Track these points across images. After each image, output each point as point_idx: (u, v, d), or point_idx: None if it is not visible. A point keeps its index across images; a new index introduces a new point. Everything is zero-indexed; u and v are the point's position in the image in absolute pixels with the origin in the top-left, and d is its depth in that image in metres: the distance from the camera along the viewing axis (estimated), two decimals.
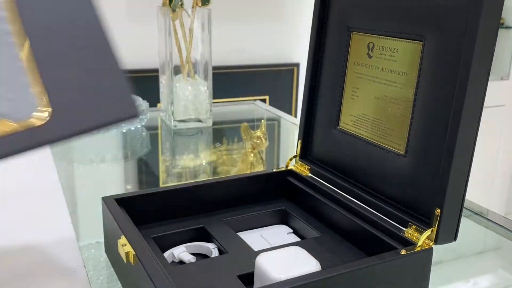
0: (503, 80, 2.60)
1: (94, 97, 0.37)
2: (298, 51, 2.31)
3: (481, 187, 2.63)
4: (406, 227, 0.51)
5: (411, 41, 0.52)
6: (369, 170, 0.58)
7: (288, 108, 2.33)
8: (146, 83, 1.98)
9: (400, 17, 0.54)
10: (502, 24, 2.53)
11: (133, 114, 0.38)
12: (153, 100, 1.35)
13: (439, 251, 0.49)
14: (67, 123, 0.36)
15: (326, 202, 0.60)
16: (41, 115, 0.36)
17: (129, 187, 0.92)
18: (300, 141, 0.68)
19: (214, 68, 1.20)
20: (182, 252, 0.55)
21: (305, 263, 0.46)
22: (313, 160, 0.67)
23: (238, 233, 0.59)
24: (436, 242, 0.48)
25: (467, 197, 0.51)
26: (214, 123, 1.17)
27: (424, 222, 0.50)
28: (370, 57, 0.58)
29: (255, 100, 1.49)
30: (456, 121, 0.46)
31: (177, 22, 1.09)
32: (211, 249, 0.56)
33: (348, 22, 0.61)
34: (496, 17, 0.45)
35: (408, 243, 0.49)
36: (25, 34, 0.37)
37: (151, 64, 1.96)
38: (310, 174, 0.66)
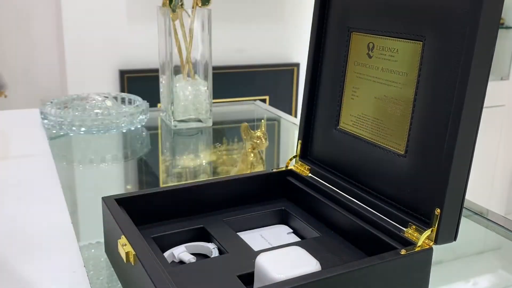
0: (503, 80, 2.60)
1: None
2: (298, 51, 2.31)
3: (481, 187, 2.64)
4: (406, 227, 0.51)
5: (411, 41, 0.52)
6: (369, 170, 0.58)
7: (288, 108, 2.34)
8: (146, 83, 1.98)
9: (400, 17, 0.54)
10: (502, 24, 2.53)
11: None
12: (153, 100, 1.35)
13: (439, 251, 0.49)
14: None
15: (326, 202, 0.60)
16: None
17: (129, 187, 0.92)
18: (300, 141, 0.68)
19: (214, 68, 1.20)
20: (182, 252, 0.55)
21: (305, 263, 0.46)
22: (313, 160, 0.67)
23: (238, 233, 0.59)
24: (436, 242, 0.48)
25: (467, 197, 0.51)
26: (214, 123, 1.17)
27: (424, 222, 0.50)
28: (370, 57, 0.58)
29: (255, 100, 1.49)
30: (456, 121, 0.46)
31: (177, 22, 1.09)
32: (211, 249, 0.56)
33: (348, 22, 0.61)
34: (496, 17, 0.45)
35: (408, 243, 0.49)
36: None
37: (151, 64, 1.96)
38: (310, 174, 0.66)
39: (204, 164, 1.01)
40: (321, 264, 0.46)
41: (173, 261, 0.55)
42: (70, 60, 1.96)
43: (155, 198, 0.60)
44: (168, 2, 1.06)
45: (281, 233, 0.61)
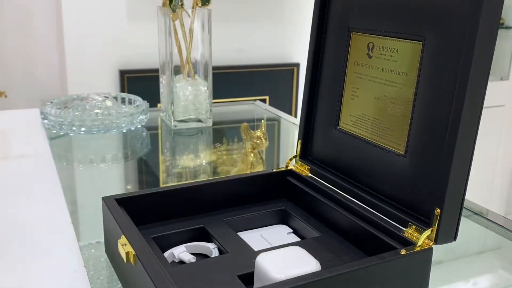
0: (503, 80, 2.61)
1: None
2: (298, 51, 2.31)
3: (481, 187, 2.64)
4: (406, 227, 0.51)
5: (411, 41, 0.52)
6: (369, 170, 0.58)
7: (288, 108, 2.34)
8: (146, 83, 1.98)
9: (400, 17, 0.54)
10: (502, 24, 2.53)
11: None
12: (153, 100, 1.35)
13: (439, 251, 0.49)
14: None
15: (326, 202, 0.60)
16: None
17: (129, 187, 0.92)
18: (300, 141, 0.68)
19: (214, 68, 1.20)
20: (182, 252, 0.55)
21: (305, 263, 0.46)
22: (313, 160, 0.67)
23: (238, 233, 0.59)
24: (436, 242, 0.48)
25: (467, 197, 0.51)
26: (214, 123, 1.17)
27: (424, 222, 0.50)
28: (370, 57, 0.58)
29: (255, 100, 1.49)
30: (456, 121, 0.46)
31: (177, 22, 1.09)
32: (211, 249, 0.56)
33: (348, 22, 0.61)
34: (496, 17, 0.45)
35: (408, 243, 0.49)
36: None
37: (151, 64, 1.96)
38: (310, 174, 0.66)
39: (204, 164, 1.01)
40: (321, 264, 0.46)
41: (173, 261, 0.55)
42: (70, 60, 1.96)
43: (155, 198, 0.60)
44: (168, 2, 1.06)
45: (281, 233, 0.61)
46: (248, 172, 0.75)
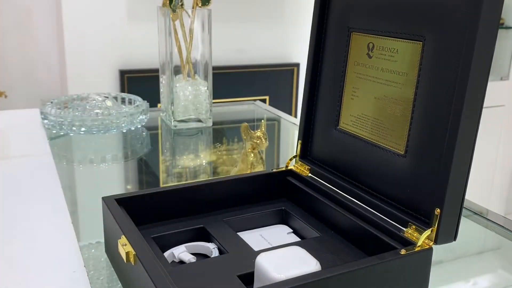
0: (503, 80, 2.61)
1: None
2: (298, 51, 2.31)
3: (481, 187, 2.64)
4: (406, 227, 0.51)
5: (411, 41, 0.52)
6: (369, 170, 0.58)
7: (288, 108, 2.34)
8: (146, 83, 1.98)
9: (400, 17, 0.54)
10: (502, 24, 2.53)
11: None
12: (153, 100, 1.35)
13: (439, 251, 0.49)
14: None
15: (326, 202, 0.60)
16: None
17: (129, 187, 0.92)
18: (300, 141, 0.68)
19: (214, 68, 1.20)
20: (182, 252, 0.55)
21: (305, 263, 0.46)
22: (313, 160, 0.67)
23: (238, 233, 0.59)
24: (436, 242, 0.48)
25: (467, 197, 0.51)
26: (214, 123, 1.17)
27: (424, 222, 0.50)
28: (370, 57, 0.58)
29: (255, 100, 1.49)
30: (456, 121, 0.46)
31: (177, 22, 1.09)
32: (211, 249, 0.56)
33: (348, 22, 0.61)
34: (496, 17, 0.45)
35: (408, 243, 0.49)
36: None
37: (151, 64, 1.96)
38: (310, 174, 0.66)
39: (204, 164, 1.01)
40: (321, 264, 0.46)
41: (173, 261, 0.55)
42: (70, 60, 1.96)
43: (155, 198, 0.60)
44: (168, 2, 1.06)
45: (281, 233, 0.61)
46: (248, 172, 0.75)
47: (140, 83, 2.03)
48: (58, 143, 1.06)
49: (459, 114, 0.46)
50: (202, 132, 1.14)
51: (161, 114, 1.23)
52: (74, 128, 1.04)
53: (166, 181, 0.91)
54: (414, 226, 0.50)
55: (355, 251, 0.55)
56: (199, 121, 1.15)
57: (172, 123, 1.13)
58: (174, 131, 1.14)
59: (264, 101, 2.23)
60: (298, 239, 0.60)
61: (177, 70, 1.13)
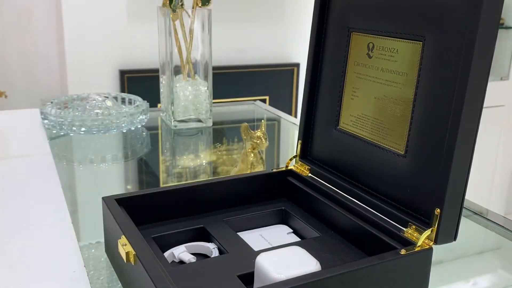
0: (503, 80, 2.61)
1: None
2: (298, 51, 2.31)
3: (481, 187, 2.64)
4: (406, 227, 0.51)
5: (411, 41, 0.52)
6: (369, 170, 0.58)
7: (288, 108, 2.34)
8: (146, 83, 1.98)
9: (400, 17, 0.54)
10: (502, 24, 2.53)
11: None
12: (153, 100, 1.35)
13: (439, 251, 0.49)
14: None
15: (326, 202, 0.60)
16: None
17: (129, 187, 0.92)
18: (300, 141, 0.68)
19: (214, 68, 1.20)
20: (182, 252, 0.55)
21: (305, 263, 0.46)
22: (313, 160, 0.67)
23: (238, 233, 0.59)
24: (436, 242, 0.48)
25: (467, 197, 0.51)
26: (214, 123, 1.17)
27: (424, 222, 0.50)
28: (370, 57, 0.58)
29: (255, 100, 1.49)
30: (456, 121, 0.46)
31: (177, 23, 1.09)
32: (211, 249, 0.56)
33: (348, 22, 0.61)
34: (496, 17, 0.45)
35: (408, 243, 0.49)
36: None
37: (151, 64, 1.96)
38: (310, 174, 0.66)
39: (204, 164, 1.01)
40: (321, 264, 0.46)
41: (173, 261, 0.55)
42: (70, 60, 1.96)
43: (155, 198, 0.60)
44: (168, 2, 1.06)
45: (281, 233, 0.61)
46: (248, 172, 0.75)
47: (140, 83, 2.03)
48: (58, 143, 1.06)
49: (459, 114, 0.46)
50: (202, 132, 1.14)
51: (161, 114, 1.23)
52: (74, 128, 1.04)
53: (166, 181, 0.91)
54: (414, 226, 0.50)
55: (355, 251, 0.55)
56: (199, 121, 1.15)
57: (172, 123, 1.13)
58: (174, 131, 1.14)
59: (264, 101, 2.23)
60: (298, 239, 0.60)
61: (177, 70, 1.13)
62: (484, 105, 0.47)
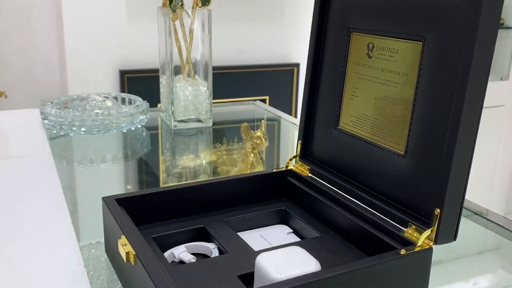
0: (503, 80, 2.61)
1: None
2: (298, 51, 2.31)
3: (481, 187, 2.64)
4: (406, 227, 0.51)
5: (411, 41, 0.52)
6: (369, 170, 0.58)
7: (288, 108, 2.34)
8: (146, 83, 1.98)
9: (400, 17, 0.54)
10: (502, 24, 2.53)
11: None
12: (153, 100, 1.35)
13: (439, 251, 0.49)
14: None
15: (326, 202, 0.60)
16: None
17: (129, 187, 0.92)
18: (300, 141, 0.68)
19: (214, 68, 1.20)
20: (182, 252, 0.55)
21: (305, 263, 0.46)
22: (313, 160, 0.67)
23: (238, 233, 0.59)
24: (436, 242, 0.48)
25: (467, 197, 0.51)
26: (214, 123, 1.17)
27: (424, 222, 0.50)
28: (370, 57, 0.58)
29: (255, 100, 1.49)
30: (456, 121, 0.46)
31: (177, 23, 1.09)
32: (211, 249, 0.56)
33: (348, 22, 0.61)
34: (495, 17, 0.45)
35: (408, 243, 0.49)
36: None
37: (151, 64, 1.96)
38: (310, 174, 0.66)
39: (204, 164, 1.01)
40: (321, 264, 0.46)
41: (173, 261, 0.55)
42: (70, 60, 1.96)
43: (155, 198, 0.60)
44: (168, 2, 1.06)
45: (281, 233, 0.61)
46: (248, 172, 0.75)
47: (140, 83, 2.03)
48: (58, 143, 1.06)
49: (459, 114, 0.46)
50: (202, 132, 1.14)
51: (161, 114, 1.23)
52: (74, 128, 1.04)
53: (166, 181, 0.91)
54: (414, 226, 0.50)
55: (355, 251, 0.55)
56: (199, 121, 1.15)
57: (172, 123, 1.13)
58: (174, 131, 1.14)
59: (264, 101, 2.23)
60: (298, 239, 0.60)
61: (177, 70, 1.13)
62: (484, 105, 0.47)
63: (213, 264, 0.52)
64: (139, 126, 1.13)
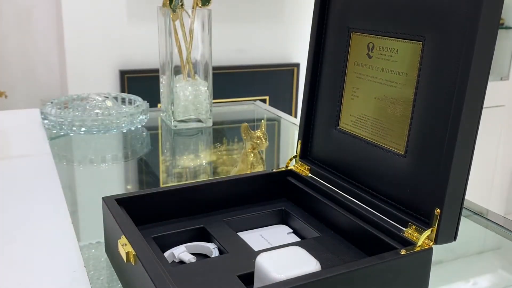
0: (503, 80, 2.61)
1: None
2: (298, 51, 2.31)
3: (481, 187, 2.64)
4: (406, 227, 0.51)
5: (411, 41, 0.52)
6: (369, 170, 0.58)
7: (288, 108, 2.34)
8: (146, 83, 1.98)
9: (400, 17, 0.54)
10: (502, 24, 2.53)
11: None
12: (153, 100, 1.35)
13: (439, 251, 0.49)
14: None
15: (326, 202, 0.60)
16: None
17: (129, 187, 0.92)
18: (300, 141, 0.68)
19: (214, 68, 1.20)
20: (182, 252, 0.55)
21: (305, 263, 0.46)
22: (313, 160, 0.67)
23: (238, 233, 0.59)
24: (436, 242, 0.48)
25: (467, 197, 0.51)
26: (214, 123, 1.17)
27: (424, 222, 0.50)
28: (370, 57, 0.58)
29: (255, 100, 1.49)
30: (456, 121, 0.46)
31: (177, 23, 1.09)
32: (211, 249, 0.56)
33: (348, 22, 0.61)
34: (496, 17, 0.45)
35: (408, 243, 0.49)
36: None
37: (151, 64, 1.96)
38: (310, 174, 0.66)
39: (204, 164, 1.01)
40: (321, 264, 0.46)
41: (173, 261, 0.55)
42: (70, 60, 1.96)
43: (155, 198, 0.60)
44: (168, 2, 1.06)
45: (281, 233, 0.61)
46: (248, 172, 0.75)
47: (140, 83, 2.03)
48: (58, 143, 1.06)
49: (459, 114, 0.46)
50: (202, 132, 1.14)
51: (161, 114, 1.23)
52: (74, 128, 1.04)
53: (166, 181, 0.92)
54: (414, 226, 0.50)
55: (355, 251, 0.55)
56: (199, 121, 1.15)
57: (172, 123, 1.13)
58: (174, 131, 1.14)
59: (264, 101, 2.23)
60: (298, 239, 0.60)
61: (177, 70, 1.13)
62: (484, 105, 0.47)
63: (213, 264, 0.52)
64: (139, 126, 1.13)
